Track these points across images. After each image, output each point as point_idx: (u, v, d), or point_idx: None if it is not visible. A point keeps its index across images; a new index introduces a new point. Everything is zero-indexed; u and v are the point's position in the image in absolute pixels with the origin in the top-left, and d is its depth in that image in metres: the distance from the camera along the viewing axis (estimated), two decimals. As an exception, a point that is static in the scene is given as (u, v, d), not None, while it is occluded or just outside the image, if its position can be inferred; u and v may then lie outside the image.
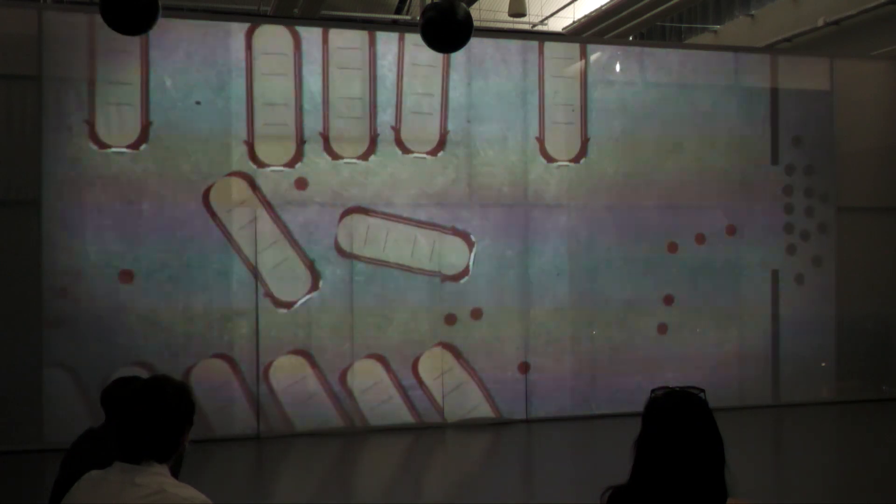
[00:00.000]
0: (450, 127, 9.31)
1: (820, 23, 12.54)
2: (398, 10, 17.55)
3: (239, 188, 8.72)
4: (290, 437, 8.69)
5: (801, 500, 6.63)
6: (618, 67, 10.04)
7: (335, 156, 8.99)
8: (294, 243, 8.82)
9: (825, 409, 10.23)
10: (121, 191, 8.41)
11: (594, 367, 9.70)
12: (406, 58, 9.19)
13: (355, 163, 9.04)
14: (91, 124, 8.36)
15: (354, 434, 8.88)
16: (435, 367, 9.19)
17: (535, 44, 9.78)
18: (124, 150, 8.44)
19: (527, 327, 9.49)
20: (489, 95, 9.45)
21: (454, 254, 9.30)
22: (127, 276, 8.36)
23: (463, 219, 9.33)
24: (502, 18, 15.57)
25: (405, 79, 9.19)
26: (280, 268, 8.80)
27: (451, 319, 9.24)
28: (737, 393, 10.01)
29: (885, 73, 11.09)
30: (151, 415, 2.48)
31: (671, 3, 12.85)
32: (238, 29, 8.82)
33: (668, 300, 9.89)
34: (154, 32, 7.65)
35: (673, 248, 9.94)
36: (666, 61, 10.14)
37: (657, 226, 9.90)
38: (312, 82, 8.94)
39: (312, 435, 8.75)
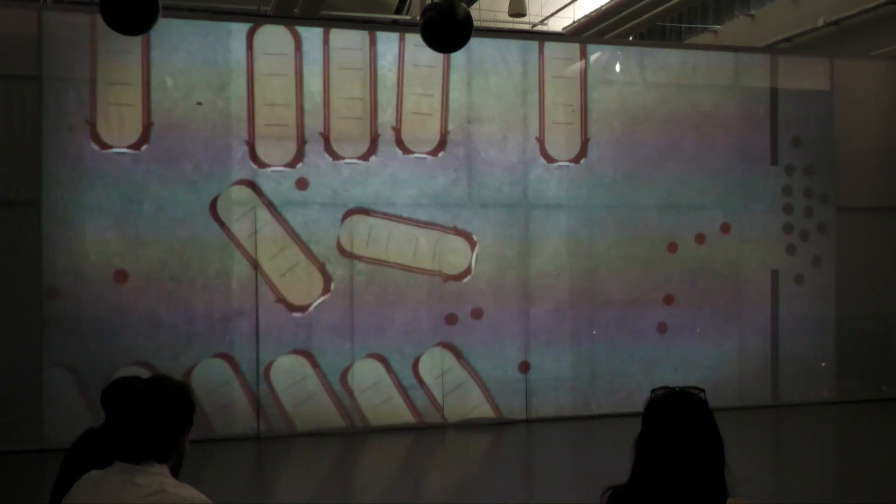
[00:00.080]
0: (450, 127, 9.31)
1: (820, 23, 12.54)
2: (398, 10, 17.55)
3: (245, 196, 8.72)
4: (290, 437, 8.69)
5: (801, 500, 6.63)
6: (618, 67, 10.04)
7: (336, 156, 8.99)
8: (304, 247, 8.83)
9: (825, 409, 10.23)
10: (122, 191, 8.41)
11: (594, 367, 9.70)
12: (406, 58, 9.19)
13: (356, 163, 9.04)
14: (92, 124, 8.36)
15: (355, 434, 8.88)
16: (435, 367, 9.20)
17: (535, 44, 9.78)
18: (125, 150, 8.45)
19: (527, 327, 9.49)
20: (489, 95, 9.45)
21: (456, 253, 9.30)
22: (122, 275, 8.36)
23: (463, 219, 9.33)
24: (502, 18, 15.57)
25: (405, 79, 9.19)
26: (291, 273, 8.81)
27: (451, 319, 9.24)
28: (737, 393, 10.02)
29: (885, 73, 11.08)
30: (151, 415, 2.48)
31: (671, 3, 12.84)
32: (239, 29, 8.82)
33: (668, 300, 9.89)
34: (155, 32, 7.67)
35: (673, 248, 9.94)
36: (666, 61, 10.15)
37: (657, 226, 9.90)
38: (313, 82, 8.94)
39: (313, 435, 8.75)
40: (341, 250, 8.97)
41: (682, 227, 9.98)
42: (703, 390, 2.37)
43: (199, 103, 8.55)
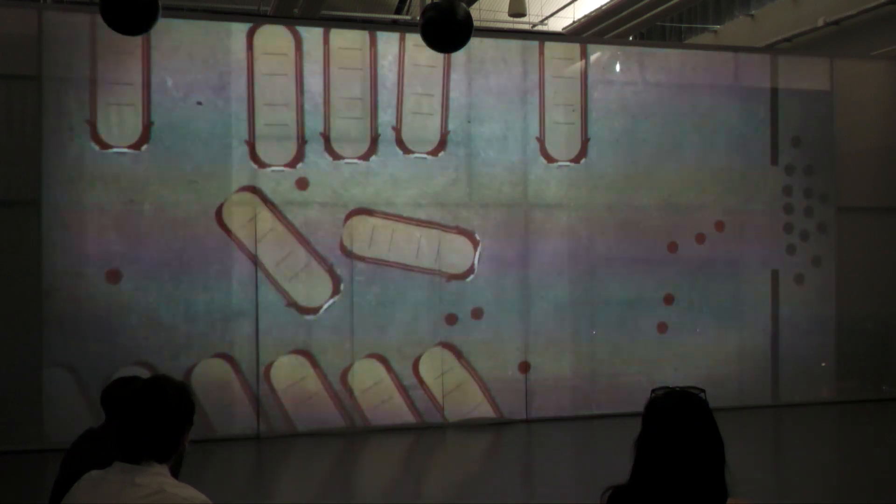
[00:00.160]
0: (450, 127, 9.32)
1: (820, 23, 12.54)
2: (398, 10, 17.55)
3: (250, 203, 8.72)
4: (290, 437, 8.69)
5: (801, 500, 6.63)
6: (618, 67, 10.04)
7: (336, 156, 8.99)
8: (312, 249, 8.84)
9: (825, 409, 10.23)
10: (122, 191, 8.41)
11: (594, 367, 9.70)
12: (406, 58, 9.19)
13: (356, 163, 9.05)
14: (92, 124, 8.36)
15: (355, 434, 8.88)
16: (435, 367, 9.20)
17: (535, 44, 9.78)
18: (125, 150, 8.45)
19: (527, 327, 9.49)
20: (489, 95, 9.45)
21: (459, 253, 9.30)
22: (120, 275, 8.36)
23: (463, 219, 9.33)
24: (502, 18, 15.56)
25: (406, 79, 9.19)
26: (300, 276, 8.81)
27: (451, 319, 9.24)
28: (737, 393, 10.01)
29: (885, 73, 11.08)
30: (151, 415, 2.48)
31: (671, 3, 12.84)
32: (239, 29, 8.82)
33: (669, 300, 9.89)
34: (155, 32, 7.68)
35: (673, 247, 9.94)
36: (666, 61, 10.15)
37: (657, 226, 9.90)
38: (313, 82, 8.94)
39: (313, 435, 8.75)
40: (344, 251, 8.97)
41: (682, 226, 9.98)
42: (703, 390, 2.37)
43: (199, 103, 8.55)
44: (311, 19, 11.50)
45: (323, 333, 8.90)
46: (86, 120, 8.35)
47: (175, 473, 2.61)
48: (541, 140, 9.59)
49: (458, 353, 9.27)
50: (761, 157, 10.29)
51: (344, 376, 8.94)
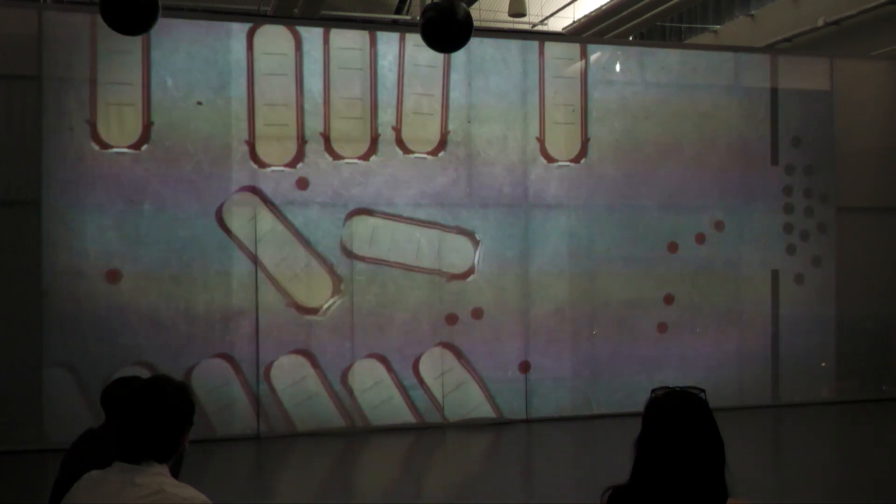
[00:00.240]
0: (450, 127, 9.32)
1: (820, 23, 12.54)
2: (398, 10, 17.55)
3: (250, 203, 8.72)
4: (290, 437, 8.69)
5: (801, 500, 6.63)
6: (618, 67, 10.04)
7: (336, 156, 8.99)
8: (312, 250, 8.84)
9: (825, 409, 10.23)
10: (122, 191, 8.41)
11: (594, 367, 9.70)
12: (406, 58, 9.19)
13: (356, 163, 9.05)
14: (92, 124, 8.36)
15: (355, 434, 8.88)
16: (435, 367, 9.20)
17: (535, 44, 9.78)
18: (126, 150, 8.45)
19: (527, 327, 9.49)
20: (489, 95, 9.45)
21: (460, 253, 9.31)
22: (119, 275, 8.36)
23: (463, 219, 9.33)
24: (502, 18, 15.56)
25: (405, 79, 9.19)
26: (301, 276, 8.81)
27: (451, 319, 9.24)
28: (737, 393, 10.01)
29: (885, 73, 11.08)
30: (151, 415, 2.48)
31: (671, 3, 12.84)
32: (239, 29, 8.83)
33: (669, 300, 9.89)
34: (155, 32, 7.67)
35: (673, 247, 9.94)
36: (666, 61, 10.15)
37: (657, 226, 9.91)
38: (313, 82, 8.95)
39: (313, 435, 8.75)
40: (344, 251, 8.97)
41: (682, 227, 9.98)
42: (703, 390, 2.37)
43: (199, 103, 8.55)
44: (311, 19, 11.50)
45: (323, 333, 8.90)
46: (86, 120, 8.35)
47: (175, 473, 2.61)
48: (541, 140, 9.59)
49: (458, 353, 9.27)
50: (761, 157, 10.29)
51: (344, 376, 8.94)
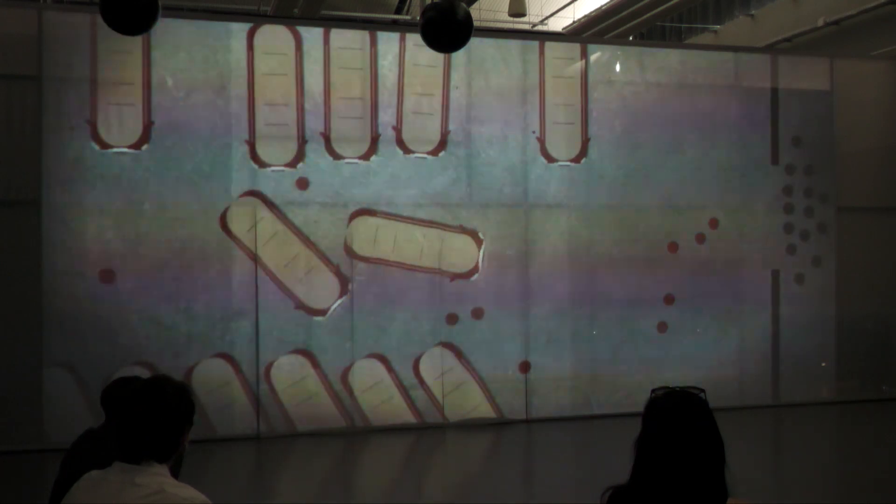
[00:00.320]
0: (450, 127, 9.32)
1: (820, 23, 12.54)
2: (398, 10, 17.55)
3: (254, 208, 8.72)
4: (290, 437, 8.69)
5: (801, 500, 6.63)
6: (618, 67, 10.04)
7: (336, 156, 8.99)
8: (317, 251, 8.84)
9: (825, 409, 10.23)
10: (122, 191, 8.41)
11: (594, 367, 9.69)
12: (407, 58, 9.19)
13: (356, 163, 9.05)
14: (92, 124, 8.36)
15: (355, 434, 8.88)
16: (436, 367, 9.20)
17: (535, 44, 9.78)
18: (125, 150, 8.45)
19: (527, 327, 9.49)
20: (489, 95, 9.45)
21: (464, 252, 9.31)
22: (118, 275, 8.36)
23: (463, 219, 9.33)
24: (502, 18, 15.56)
25: (406, 79, 9.19)
26: (306, 278, 8.81)
27: (451, 319, 9.24)
28: (737, 393, 10.01)
29: (885, 73, 11.08)
30: (151, 415, 2.48)
31: (671, 3, 12.85)
32: (239, 29, 8.82)
33: (669, 300, 9.89)
34: (155, 32, 7.68)
35: (673, 247, 9.94)
36: (666, 61, 10.15)
37: (657, 226, 9.91)
38: (313, 82, 8.94)
39: (313, 435, 8.75)
40: (348, 251, 8.97)
41: (683, 226, 9.98)
42: (703, 390, 2.37)
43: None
44: (311, 19, 11.51)
45: (323, 333, 8.90)
46: (86, 120, 8.35)
47: (175, 473, 2.61)
48: (541, 140, 9.59)
49: (459, 353, 9.27)
50: (761, 157, 10.29)
51: (344, 376, 8.94)
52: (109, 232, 8.38)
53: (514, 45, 9.71)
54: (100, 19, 6.69)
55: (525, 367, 9.47)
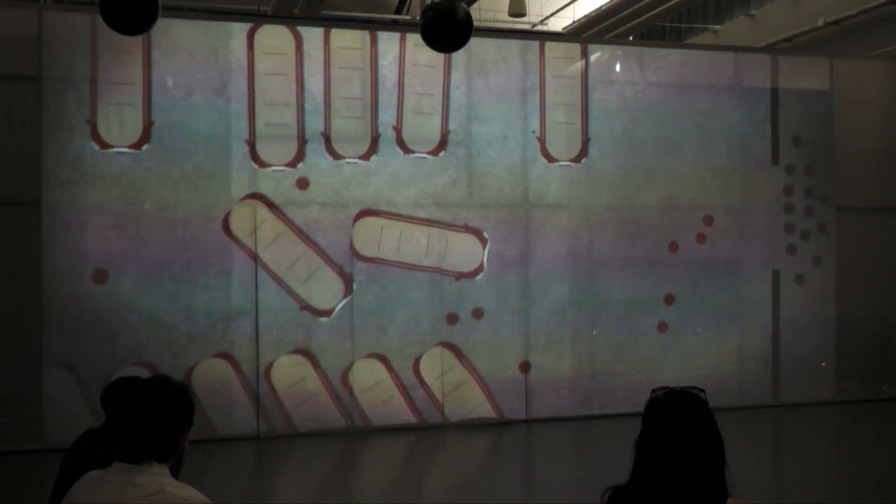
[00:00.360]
0: (450, 127, 9.32)
1: (820, 23, 12.54)
2: (398, 10, 17.55)
3: (257, 210, 8.72)
4: (290, 437, 8.69)
5: (801, 500, 6.63)
6: (618, 67, 10.04)
7: (336, 156, 8.99)
8: (321, 252, 8.84)
9: (825, 409, 10.23)
10: (122, 190, 8.41)
11: (594, 367, 9.70)
12: (407, 58, 9.19)
13: (356, 163, 9.05)
14: (92, 124, 8.36)
15: (355, 434, 8.88)
16: (436, 367, 9.20)
17: (535, 44, 9.78)
18: (126, 150, 8.45)
19: (527, 327, 9.49)
20: (489, 95, 9.45)
21: (469, 251, 9.31)
22: (117, 275, 8.36)
23: (463, 219, 9.33)
24: (502, 18, 15.56)
25: (406, 79, 9.19)
26: (311, 278, 8.81)
27: (452, 319, 9.24)
28: (737, 393, 10.02)
29: (885, 73, 11.09)
30: (151, 415, 2.48)
31: (671, 3, 12.84)
32: (240, 29, 8.82)
33: (669, 300, 9.89)
34: (155, 32, 7.68)
35: (673, 247, 9.94)
36: (666, 61, 10.15)
37: (657, 226, 9.90)
38: (314, 82, 8.95)
39: (313, 435, 8.75)
40: (354, 252, 8.97)
41: (682, 226, 9.98)
42: (703, 390, 2.37)
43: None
44: (311, 19, 11.50)
45: (323, 333, 8.90)
46: (86, 120, 8.35)
47: (175, 473, 2.61)
48: (541, 140, 9.59)
49: (459, 353, 9.27)
50: (761, 157, 10.30)
51: (344, 376, 8.94)
52: (109, 232, 8.38)
53: (514, 45, 9.71)
54: (100, 19, 6.69)
55: (525, 367, 9.47)
